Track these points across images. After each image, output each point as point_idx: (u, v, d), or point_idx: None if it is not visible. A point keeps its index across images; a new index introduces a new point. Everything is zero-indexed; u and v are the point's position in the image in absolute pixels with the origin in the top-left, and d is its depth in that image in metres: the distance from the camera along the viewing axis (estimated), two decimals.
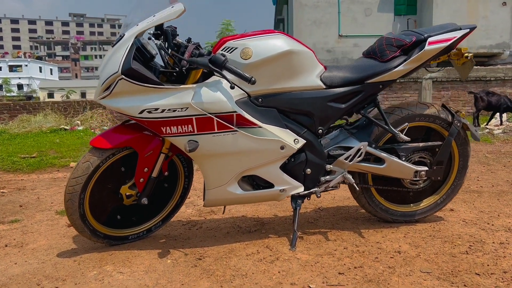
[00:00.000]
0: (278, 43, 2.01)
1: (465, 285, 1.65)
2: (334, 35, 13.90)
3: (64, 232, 2.51)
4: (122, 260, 2.03)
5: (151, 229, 2.33)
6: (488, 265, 1.83)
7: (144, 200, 2.15)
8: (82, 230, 2.11)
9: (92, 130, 9.94)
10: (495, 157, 4.76)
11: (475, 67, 12.20)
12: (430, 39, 2.14)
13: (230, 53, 2.00)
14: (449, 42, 2.16)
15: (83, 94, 65.11)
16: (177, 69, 2.01)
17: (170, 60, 2.11)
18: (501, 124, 7.85)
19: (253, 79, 1.84)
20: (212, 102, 1.94)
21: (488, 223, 2.42)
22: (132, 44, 1.90)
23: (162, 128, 1.95)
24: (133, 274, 1.88)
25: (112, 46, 1.97)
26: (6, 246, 2.30)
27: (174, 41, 2.09)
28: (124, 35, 1.93)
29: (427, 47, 2.12)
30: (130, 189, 2.15)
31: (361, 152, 2.18)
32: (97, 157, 2.02)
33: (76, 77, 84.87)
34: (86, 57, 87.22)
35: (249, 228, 2.47)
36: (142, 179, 2.12)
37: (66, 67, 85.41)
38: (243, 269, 1.89)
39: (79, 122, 11.21)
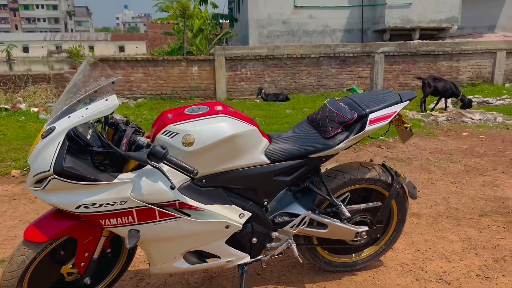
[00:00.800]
0: (220, 128, 1.95)
1: None
2: (290, 6, 13.62)
3: None
4: None
5: None
6: None
7: (87, 280, 2.11)
8: None
9: (36, 110, 9.43)
10: (436, 160, 5.00)
11: (424, 41, 12.46)
12: (371, 116, 2.16)
13: (171, 137, 1.93)
14: (388, 119, 2.19)
15: (25, 49, 60.80)
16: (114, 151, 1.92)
17: (107, 136, 2.02)
18: (445, 109, 8.18)
19: (195, 171, 1.80)
20: (153, 193, 1.88)
21: (422, 269, 2.59)
22: (64, 140, 1.79)
23: (101, 220, 1.88)
24: None
25: (43, 138, 1.83)
26: None
27: (111, 120, 1.99)
28: (54, 128, 1.81)
29: (367, 127, 2.14)
30: (71, 269, 2.10)
31: (305, 221, 2.23)
32: (32, 250, 1.94)
33: (16, 28, 78.84)
34: (26, 7, 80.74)
35: (198, 284, 2.51)
36: (83, 263, 2.07)
37: (4, 18, 79.02)
38: None
39: (21, 99, 10.57)
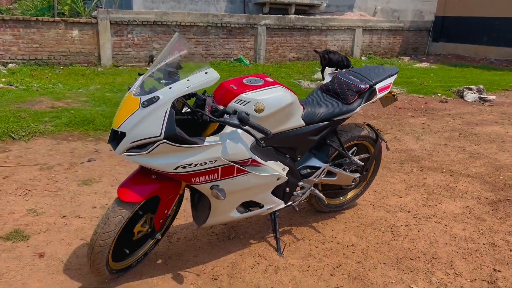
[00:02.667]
0: (283, 97, 2.34)
1: (411, 271, 2.52)
2: None
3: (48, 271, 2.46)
4: None
5: (147, 253, 2.51)
6: (412, 250, 2.76)
7: (158, 236, 2.34)
8: (103, 273, 2.20)
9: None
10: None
11: (300, 16, 13.63)
12: (377, 86, 2.79)
13: (243, 105, 2.25)
14: (389, 89, 2.86)
15: None
16: (196, 118, 2.16)
17: (178, 104, 2.24)
18: (323, 79, 9.43)
19: (269, 132, 2.17)
20: (235, 153, 2.20)
21: (386, 204, 3.41)
22: (170, 108, 1.98)
23: (192, 178, 2.14)
24: None
25: (144, 107, 1.98)
26: None
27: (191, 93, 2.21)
28: (158, 97, 1.97)
29: (378, 95, 2.78)
30: (142, 227, 2.29)
31: (324, 172, 2.78)
32: (128, 210, 2.09)
33: None
34: None
35: (226, 234, 2.88)
36: (161, 219, 2.29)
37: None
38: (261, 284, 2.37)
39: None
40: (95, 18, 10.94)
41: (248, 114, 2.09)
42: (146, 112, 1.98)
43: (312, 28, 13.12)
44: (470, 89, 8.16)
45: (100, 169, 3.98)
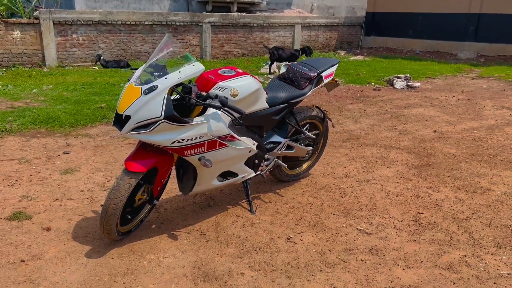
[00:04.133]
0: (252, 84, 2.92)
1: (356, 217, 3.21)
2: None
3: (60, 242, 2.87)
4: (153, 250, 2.74)
5: (142, 220, 2.99)
6: (356, 203, 3.45)
7: (155, 202, 2.84)
8: (113, 234, 2.67)
9: None
10: None
11: (242, 14, 14.22)
12: (323, 74, 3.45)
13: (221, 91, 2.79)
14: (332, 76, 3.53)
15: None
16: (184, 103, 2.68)
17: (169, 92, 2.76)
18: (269, 73, 10.14)
19: (243, 112, 2.74)
20: (217, 130, 2.75)
21: (333, 172, 4.10)
22: (167, 94, 2.49)
23: (185, 151, 2.66)
24: (176, 257, 2.67)
25: (145, 94, 2.47)
26: None
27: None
28: (157, 86, 2.47)
29: (324, 81, 3.43)
30: (142, 195, 2.78)
31: (284, 145, 3.40)
32: (134, 179, 2.58)
33: None
34: None
35: (206, 203, 3.42)
36: (159, 187, 2.79)
37: None
38: (241, 235, 2.94)
39: None
40: (37, 18, 10.85)
41: (226, 98, 2.64)
42: (147, 98, 2.47)
43: (255, 25, 13.77)
44: (398, 77, 9.20)
45: (77, 160, 4.34)
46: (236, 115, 2.80)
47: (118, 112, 2.55)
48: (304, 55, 10.41)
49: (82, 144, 4.82)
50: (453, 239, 2.91)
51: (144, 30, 12.05)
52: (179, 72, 2.57)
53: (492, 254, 2.73)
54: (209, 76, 2.88)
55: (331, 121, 3.85)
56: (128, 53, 12.00)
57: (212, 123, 2.73)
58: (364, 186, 3.79)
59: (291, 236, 2.94)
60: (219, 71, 2.94)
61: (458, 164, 4.38)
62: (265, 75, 9.63)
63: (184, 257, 2.69)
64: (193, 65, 2.61)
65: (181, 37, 12.63)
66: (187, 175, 2.96)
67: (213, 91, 2.79)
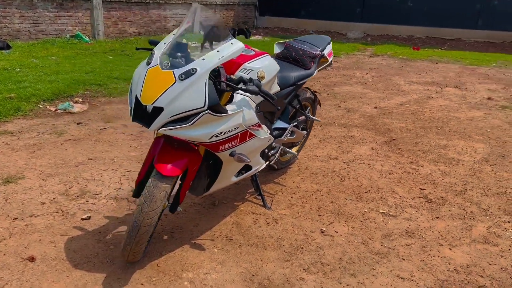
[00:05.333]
0: (274, 64, 2.57)
1: (371, 201, 3.12)
2: None
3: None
4: (186, 267, 2.29)
5: (152, 233, 2.49)
6: (360, 186, 3.37)
7: (179, 209, 2.35)
8: (139, 255, 2.16)
9: None
10: None
11: None
12: (324, 52, 3.22)
13: (248, 73, 2.40)
14: (332, 54, 3.32)
15: None
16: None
17: None
18: None
19: (274, 97, 2.41)
20: (250, 119, 2.37)
21: (316, 155, 3.96)
22: (209, 79, 2.02)
23: (220, 146, 2.23)
24: (217, 271, 2.26)
25: (181, 79, 1.98)
26: None
27: None
28: (196, 70, 2.00)
29: (329, 59, 3.21)
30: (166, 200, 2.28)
31: (290, 131, 3.13)
32: (169, 185, 2.08)
33: None
34: None
35: (209, 203, 2.99)
36: (186, 190, 2.30)
37: None
38: (272, 234, 2.63)
39: None
40: None
41: (260, 81, 2.28)
42: (185, 84, 1.99)
43: (150, 2, 12.80)
44: None
45: (12, 164, 3.47)
46: (256, 100, 2.46)
47: (143, 103, 2.02)
48: (243, 35, 10.12)
49: (7, 144, 3.88)
50: (467, 212, 3.01)
51: (23, 4, 10.30)
52: (218, 51, 2.12)
53: (509, 222, 2.89)
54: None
55: (320, 104, 3.68)
56: (5, 31, 10.16)
57: (245, 111, 2.34)
58: (355, 167, 3.73)
59: (324, 228, 2.73)
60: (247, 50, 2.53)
61: (417, 138, 4.60)
62: None
63: (226, 269, 2.29)
64: (232, 43, 2.18)
65: (68, 14, 11.13)
66: (200, 173, 2.52)
67: (238, 73, 2.39)
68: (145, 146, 4.00)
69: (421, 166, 3.81)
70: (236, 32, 9.52)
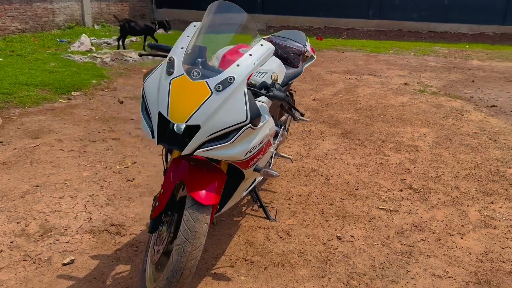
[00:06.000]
0: (281, 65, 2.35)
1: (366, 197, 3.07)
2: None
3: None
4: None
5: None
6: (347, 183, 3.30)
7: None
8: None
9: None
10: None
11: None
12: (307, 48, 3.05)
13: (262, 77, 2.14)
14: (313, 49, 3.16)
15: None
16: None
17: None
18: (124, 48, 8.79)
19: (291, 101, 2.20)
20: (272, 127, 2.10)
21: (288, 154, 3.81)
22: (247, 89, 1.73)
23: (250, 162, 1.94)
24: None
25: (218, 91, 1.65)
26: None
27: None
28: (233, 78, 1.69)
29: (313, 54, 3.04)
30: None
31: (280, 134, 2.92)
32: (209, 214, 1.75)
33: None
34: None
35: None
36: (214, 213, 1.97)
37: None
38: (292, 249, 2.42)
39: None
40: None
41: (280, 85, 2.04)
42: (223, 96, 1.68)
43: None
44: None
45: None
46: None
47: (172, 122, 1.65)
48: (162, 29, 9.48)
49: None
50: (453, 197, 3.13)
51: None
52: (250, 55, 1.82)
53: (493, 203, 3.07)
54: (236, 57, 2.15)
55: (294, 102, 3.52)
56: None
57: (269, 120, 2.07)
58: (331, 163, 3.67)
59: (339, 234, 2.60)
60: (240, 50, 2.24)
61: (368, 127, 4.72)
62: (89, 54, 8.10)
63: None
64: (261, 45, 1.89)
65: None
66: None
67: (256, 78, 2.11)
68: (96, 163, 3.45)
69: (389, 156, 3.89)
70: (156, 26, 8.95)
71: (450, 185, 3.32)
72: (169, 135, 1.71)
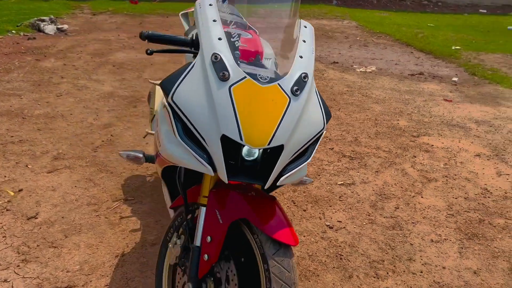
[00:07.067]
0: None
1: (326, 198, 2.95)
2: None
3: None
4: None
5: None
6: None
7: None
8: None
9: None
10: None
11: None
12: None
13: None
14: None
15: None
16: None
17: None
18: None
19: None
20: None
21: None
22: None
23: None
24: None
25: (295, 96, 1.21)
26: None
27: None
28: (306, 74, 1.27)
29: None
30: None
31: None
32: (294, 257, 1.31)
33: None
34: None
35: None
36: None
37: None
38: (300, 255, 2.14)
39: None
40: None
41: None
42: (302, 101, 1.25)
43: None
44: (43, 21, 7.59)
45: None
46: None
47: (251, 147, 1.16)
48: None
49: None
50: (383, 158, 3.28)
51: None
52: (304, 41, 1.38)
53: (415, 157, 3.33)
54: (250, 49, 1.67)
55: None
56: None
57: None
58: None
59: (328, 223, 2.42)
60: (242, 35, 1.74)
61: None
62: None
63: None
64: (305, 26, 1.46)
65: None
66: None
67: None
68: None
69: None
70: None
71: (371, 146, 3.47)
72: (242, 167, 1.20)
